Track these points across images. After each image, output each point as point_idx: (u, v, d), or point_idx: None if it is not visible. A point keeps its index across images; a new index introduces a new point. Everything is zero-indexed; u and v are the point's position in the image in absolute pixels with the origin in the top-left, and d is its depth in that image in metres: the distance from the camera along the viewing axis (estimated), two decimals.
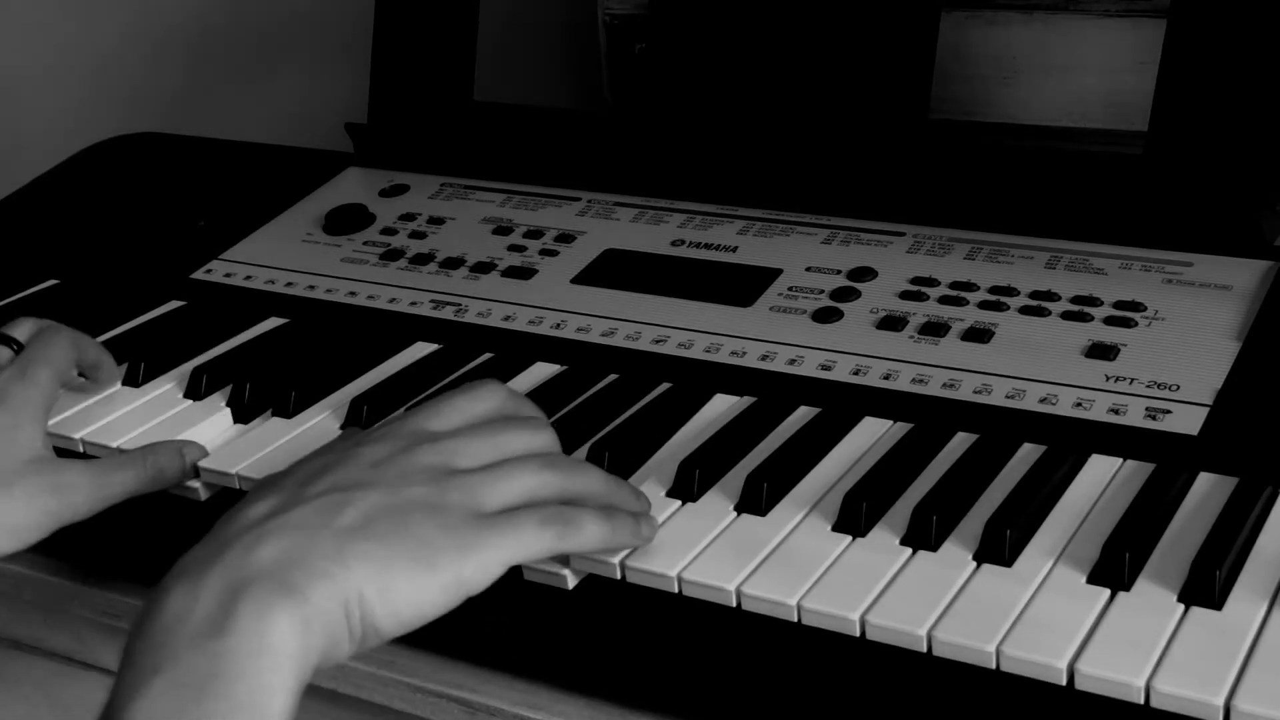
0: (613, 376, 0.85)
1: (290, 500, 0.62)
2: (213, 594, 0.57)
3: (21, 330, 0.83)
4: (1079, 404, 0.76)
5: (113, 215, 1.15)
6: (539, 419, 0.71)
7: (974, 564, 0.65)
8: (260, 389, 0.86)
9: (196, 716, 0.54)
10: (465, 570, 0.61)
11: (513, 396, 0.72)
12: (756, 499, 0.71)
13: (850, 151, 1.00)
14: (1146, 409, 0.75)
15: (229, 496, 0.78)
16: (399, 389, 0.85)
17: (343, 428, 0.83)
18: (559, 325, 0.91)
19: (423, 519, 0.62)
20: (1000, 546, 0.65)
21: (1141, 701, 0.57)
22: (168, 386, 0.89)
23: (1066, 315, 0.83)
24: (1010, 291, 0.86)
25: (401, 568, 0.60)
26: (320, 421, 0.83)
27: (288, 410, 0.84)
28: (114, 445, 0.83)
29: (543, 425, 0.70)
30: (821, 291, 0.89)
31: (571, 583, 0.68)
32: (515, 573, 0.66)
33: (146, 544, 0.83)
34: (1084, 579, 0.64)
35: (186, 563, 0.60)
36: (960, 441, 0.76)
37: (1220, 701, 0.56)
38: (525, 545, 0.63)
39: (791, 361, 0.84)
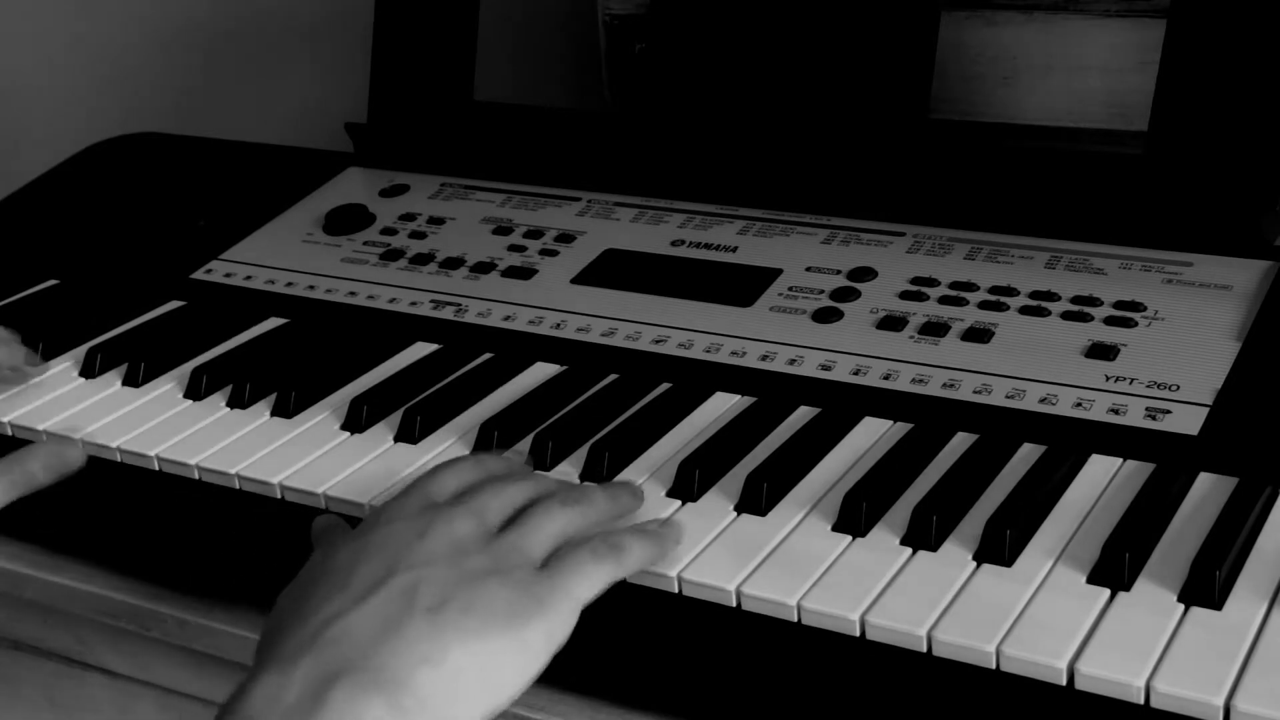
0: (613, 376, 0.85)
1: (357, 590, 0.60)
2: (304, 683, 0.56)
3: None
4: (1079, 404, 0.76)
5: (113, 215, 1.15)
6: (521, 469, 0.72)
7: (974, 564, 0.65)
8: (260, 389, 0.86)
9: None
10: (551, 622, 0.61)
11: (485, 457, 0.72)
12: (756, 499, 0.71)
13: (850, 151, 1.00)
14: (1146, 409, 0.75)
15: (229, 494, 0.79)
16: (399, 389, 0.85)
17: (344, 427, 0.83)
18: (559, 325, 0.91)
19: (498, 584, 0.61)
20: (1000, 546, 0.65)
21: (1141, 701, 0.57)
22: (168, 386, 0.89)
23: (1066, 315, 0.83)
24: (1010, 291, 0.86)
25: (495, 636, 0.59)
26: (320, 421, 0.83)
27: (288, 410, 0.84)
28: (114, 445, 0.83)
29: (529, 472, 0.71)
30: (821, 291, 0.89)
31: None
32: None
33: (147, 544, 0.83)
34: (1084, 579, 0.64)
35: (267, 654, 0.59)
36: (960, 441, 0.76)
37: (1220, 702, 0.56)
38: (592, 581, 0.63)
39: (791, 361, 0.84)
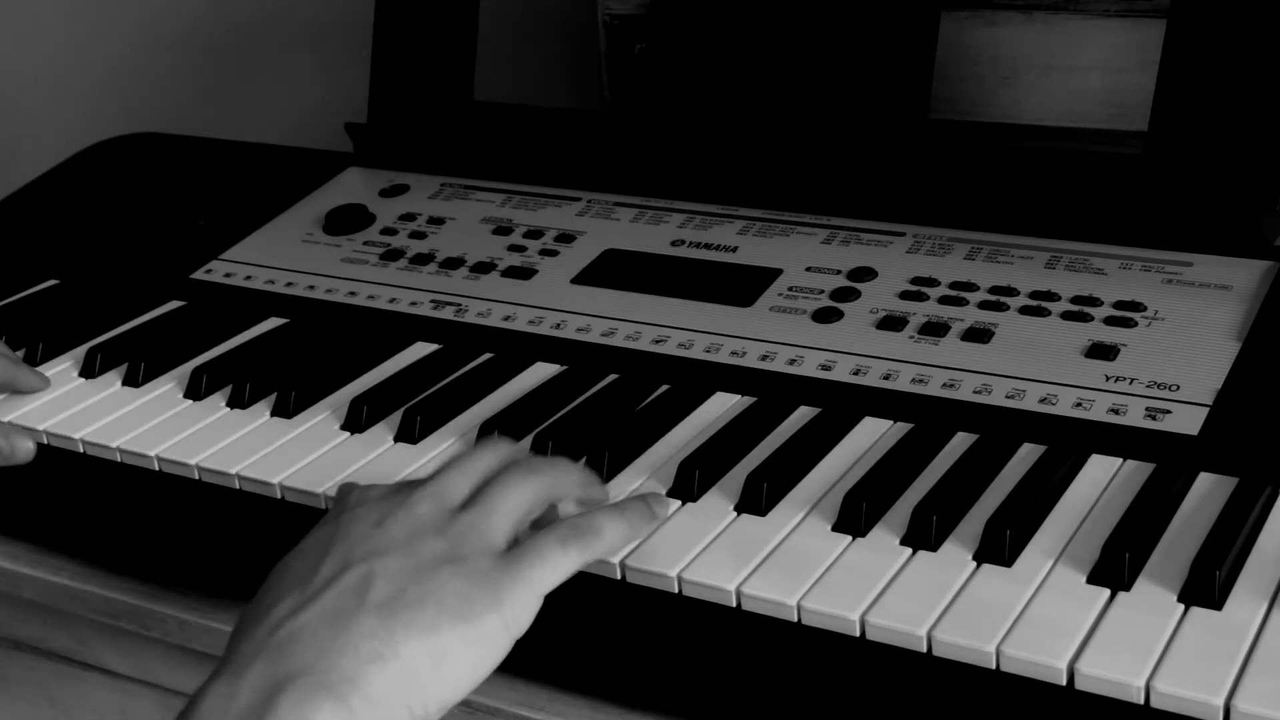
0: (613, 376, 0.85)
1: (309, 587, 0.60)
2: (252, 692, 0.56)
3: None
4: (1079, 404, 0.76)
5: (113, 215, 1.15)
6: (495, 445, 0.70)
7: (974, 564, 0.65)
8: (260, 389, 0.86)
9: None
10: (507, 613, 0.60)
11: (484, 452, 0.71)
12: (756, 499, 0.71)
13: (850, 151, 1.00)
14: (1146, 409, 0.75)
15: (229, 494, 0.79)
16: (399, 389, 0.85)
17: (343, 427, 0.83)
18: (559, 325, 0.91)
19: (451, 574, 0.60)
20: (1000, 546, 0.65)
21: (1141, 702, 0.57)
22: (168, 386, 0.89)
23: (1066, 315, 0.83)
24: (1010, 291, 0.86)
25: (448, 628, 0.58)
26: (320, 421, 0.83)
27: (288, 410, 0.84)
28: (114, 445, 0.83)
29: (498, 445, 0.69)
30: (821, 291, 0.89)
31: None
32: None
33: (146, 544, 0.83)
34: (1084, 579, 0.64)
35: (221, 667, 0.58)
36: (960, 441, 0.76)
37: (1220, 702, 0.56)
38: (555, 569, 0.62)
39: (791, 361, 0.84)
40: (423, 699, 0.57)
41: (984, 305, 0.85)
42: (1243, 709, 0.56)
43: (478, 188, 1.09)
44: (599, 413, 0.81)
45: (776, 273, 0.92)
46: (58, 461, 0.85)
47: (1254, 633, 0.59)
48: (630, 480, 0.75)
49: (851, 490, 0.70)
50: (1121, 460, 0.72)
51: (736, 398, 0.82)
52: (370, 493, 0.66)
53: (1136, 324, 0.82)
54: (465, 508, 0.64)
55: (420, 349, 0.91)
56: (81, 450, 0.84)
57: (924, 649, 0.61)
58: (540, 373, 0.87)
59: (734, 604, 0.65)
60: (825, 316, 0.87)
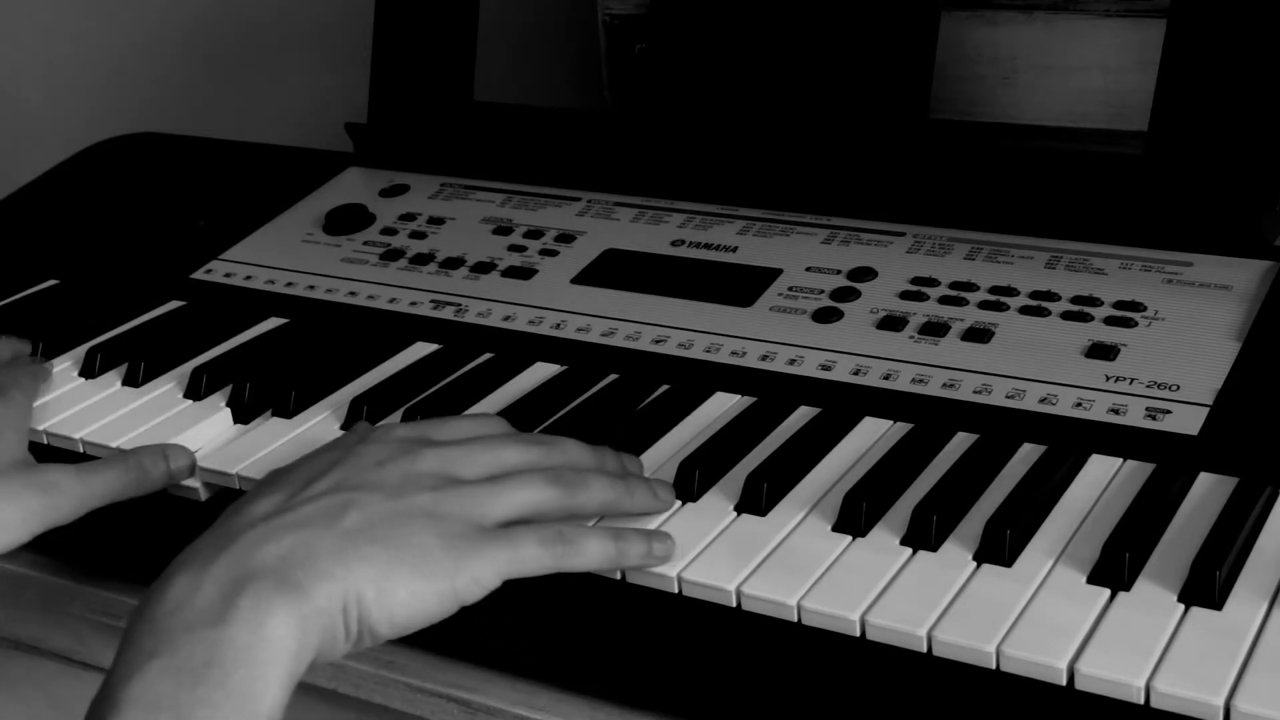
0: (613, 376, 0.85)
1: (295, 498, 0.64)
2: (215, 585, 0.59)
3: None
4: (1079, 404, 0.76)
5: (113, 215, 1.15)
6: (551, 440, 0.72)
7: (974, 564, 0.65)
8: (260, 389, 0.86)
9: (190, 702, 0.56)
10: (459, 581, 0.62)
11: (516, 432, 0.73)
12: (756, 499, 0.71)
13: (850, 151, 1.00)
14: (1146, 409, 0.75)
15: (229, 496, 0.78)
16: (399, 389, 0.85)
17: (343, 428, 0.83)
18: (559, 325, 0.91)
19: (423, 527, 0.63)
20: (1000, 546, 0.65)
21: (1141, 702, 0.57)
22: (168, 386, 0.89)
23: (1066, 315, 0.83)
24: (1010, 291, 0.86)
25: (400, 574, 0.61)
26: (320, 421, 0.84)
27: (288, 410, 0.84)
28: (114, 445, 0.83)
29: (554, 445, 0.71)
30: (821, 291, 0.89)
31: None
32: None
33: (146, 544, 0.83)
34: (1084, 579, 0.64)
35: (190, 553, 0.62)
36: (960, 441, 0.76)
37: (1220, 702, 0.56)
38: (522, 561, 0.64)
39: (791, 361, 0.84)
40: (360, 624, 0.60)
41: (984, 305, 0.85)
42: (1243, 709, 0.56)
43: (478, 188, 1.09)
44: (599, 413, 0.81)
45: (776, 273, 0.92)
46: (58, 461, 0.84)
47: (1254, 633, 0.59)
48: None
49: (851, 490, 0.70)
50: (1121, 460, 0.72)
51: (736, 398, 0.82)
52: (392, 434, 0.69)
53: (1136, 324, 0.82)
54: (471, 482, 0.66)
55: (420, 349, 0.91)
56: (82, 450, 0.84)
57: (924, 649, 0.61)
58: (540, 373, 0.87)
59: (734, 604, 0.65)
60: (825, 316, 0.87)
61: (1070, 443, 0.74)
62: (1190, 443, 0.73)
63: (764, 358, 0.85)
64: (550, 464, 0.69)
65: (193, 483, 0.80)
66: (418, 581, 0.61)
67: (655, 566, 0.67)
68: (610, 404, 0.82)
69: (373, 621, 0.61)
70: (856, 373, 0.82)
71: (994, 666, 0.60)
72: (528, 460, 0.69)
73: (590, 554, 0.65)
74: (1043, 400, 0.77)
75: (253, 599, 0.58)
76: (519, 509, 0.66)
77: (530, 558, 0.64)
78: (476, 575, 0.62)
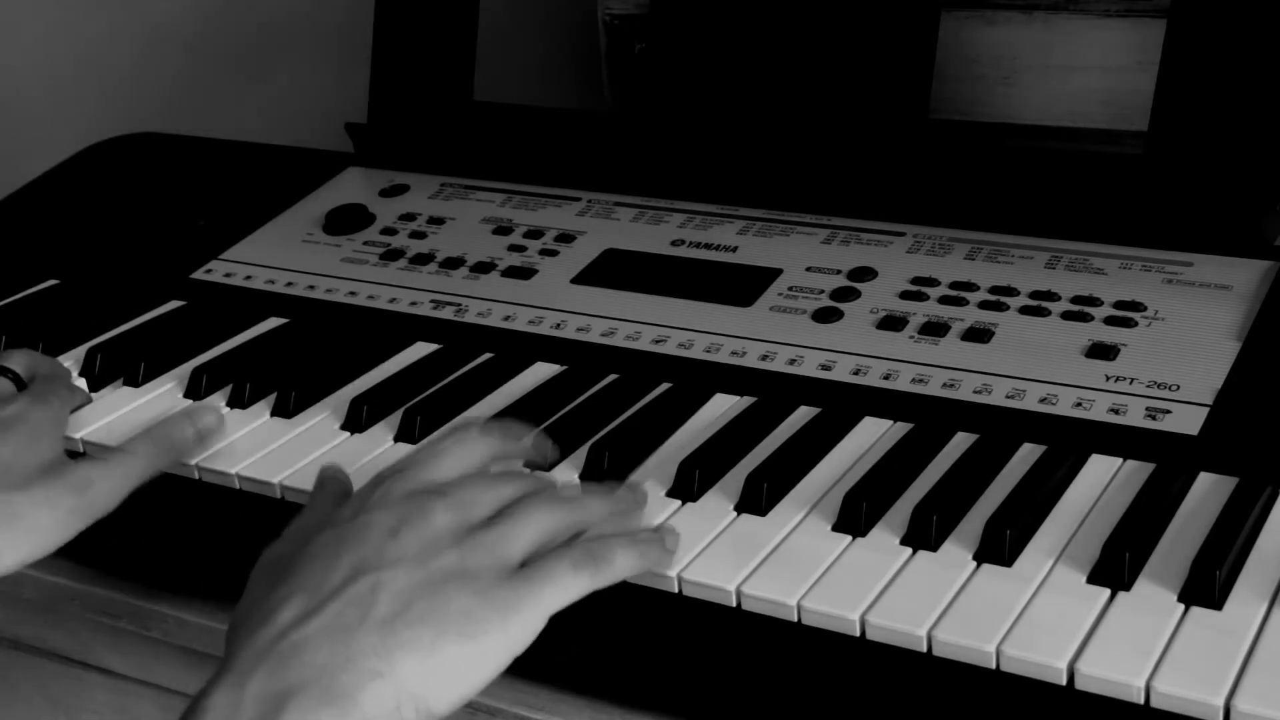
0: (613, 376, 0.85)
1: (316, 595, 0.60)
2: (256, 704, 0.56)
3: (17, 361, 0.84)
4: (1079, 404, 0.76)
5: (113, 215, 1.15)
6: (525, 473, 0.71)
7: (974, 564, 0.65)
8: (260, 389, 0.86)
9: None
10: (511, 632, 0.60)
11: (497, 438, 0.72)
12: (756, 499, 0.71)
13: (850, 151, 1.00)
14: (1146, 409, 0.75)
15: (227, 494, 0.79)
16: (399, 389, 0.85)
17: (343, 427, 0.83)
18: (559, 325, 0.91)
19: (459, 589, 0.60)
20: (1000, 546, 0.66)
21: (1141, 701, 0.57)
22: (168, 386, 0.89)
23: (1066, 315, 0.83)
24: (1010, 291, 0.86)
25: (448, 647, 0.59)
26: (320, 421, 0.84)
27: (288, 410, 0.84)
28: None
29: (528, 475, 0.70)
30: (821, 291, 0.89)
31: None
32: None
33: (146, 544, 0.83)
34: (1084, 579, 0.64)
35: (224, 670, 0.59)
36: (960, 441, 0.76)
37: (1220, 702, 0.56)
38: (564, 591, 0.62)
39: (791, 361, 0.84)
40: (417, 713, 0.58)
41: (984, 305, 0.85)
42: (1243, 709, 0.56)
43: (478, 188, 1.09)
44: (599, 413, 0.81)
45: (776, 272, 0.92)
46: None
47: (1254, 633, 0.59)
48: (634, 481, 0.75)
49: (851, 490, 0.70)
50: (1121, 460, 0.72)
51: (736, 398, 0.82)
52: (390, 494, 0.65)
53: (1136, 324, 0.82)
54: (485, 525, 0.64)
55: (420, 349, 0.91)
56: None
57: (924, 649, 0.61)
58: (540, 373, 0.87)
59: (734, 604, 0.65)
60: (825, 316, 0.87)
61: (1070, 443, 0.74)
62: (1190, 443, 0.73)
63: (764, 357, 0.85)
64: (537, 488, 0.67)
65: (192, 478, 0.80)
66: (467, 647, 0.59)
67: (669, 561, 0.66)
68: (610, 404, 0.82)
69: (430, 706, 0.58)
70: (856, 373, 0.82)
71: (994, 666, 0.60)
72: (518, 488, 0.67)
73: (620, 565, 0.64)
74: (1043, 400, 0.77)
75: (298, 714, 0.55)
76: (536, 540, 0.64)
77: (570, 586, 0.62)
78: (524, 621, 0.60)
